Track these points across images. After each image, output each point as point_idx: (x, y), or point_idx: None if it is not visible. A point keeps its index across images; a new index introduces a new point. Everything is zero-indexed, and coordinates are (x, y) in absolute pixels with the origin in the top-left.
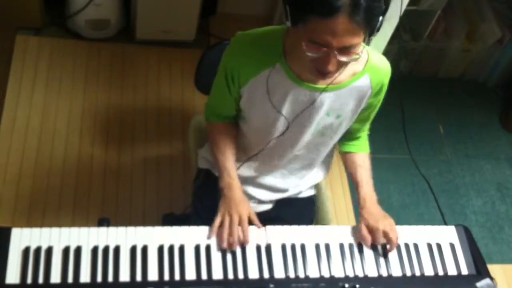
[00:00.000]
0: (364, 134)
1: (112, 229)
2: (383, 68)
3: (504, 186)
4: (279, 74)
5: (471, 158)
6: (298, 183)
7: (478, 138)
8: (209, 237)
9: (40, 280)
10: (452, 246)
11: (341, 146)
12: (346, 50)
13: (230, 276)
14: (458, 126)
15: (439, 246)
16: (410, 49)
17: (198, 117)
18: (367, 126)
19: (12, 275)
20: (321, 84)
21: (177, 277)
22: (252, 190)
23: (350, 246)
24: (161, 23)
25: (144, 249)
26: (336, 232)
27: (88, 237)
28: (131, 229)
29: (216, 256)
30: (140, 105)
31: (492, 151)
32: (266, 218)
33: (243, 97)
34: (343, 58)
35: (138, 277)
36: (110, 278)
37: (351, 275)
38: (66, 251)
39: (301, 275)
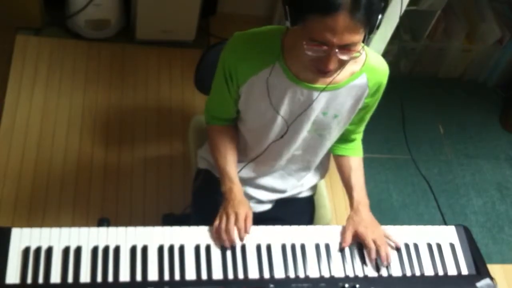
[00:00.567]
0: (359, 137)
1: (112, 229)
2: (381, 68)
3: (504, 186)
4: (278, 74)
5: (471, 158)
6: (296, 184)
7: (478, 138)
8: (210, 238)
9: (40, 280)
10: (452, 246)
11: (335, 149)
12: (347, 48)
13: (230, 276)
14: (458, 126)
15: (439, 246)
16: (410, 49)
17: (198, 117)
18: (362, 128)
19: (12, 275)
20: (319, 84)
21: (177, 277)
22: (251, 191)
23: (350, 246)
24: (161, 23)
25: (144, 249)
26: (336, 232)
27: (88, 237)
28: (131, 229)
29: (216, 256)
30: (140, 105)
31: (492, 151)
32: (266, 218)
33: (242, 97)
34: (344, 56)
35: (138, 277)
36: (110, 278)
37: (351, 275)
38: (66, 251)
39: (301, 275)
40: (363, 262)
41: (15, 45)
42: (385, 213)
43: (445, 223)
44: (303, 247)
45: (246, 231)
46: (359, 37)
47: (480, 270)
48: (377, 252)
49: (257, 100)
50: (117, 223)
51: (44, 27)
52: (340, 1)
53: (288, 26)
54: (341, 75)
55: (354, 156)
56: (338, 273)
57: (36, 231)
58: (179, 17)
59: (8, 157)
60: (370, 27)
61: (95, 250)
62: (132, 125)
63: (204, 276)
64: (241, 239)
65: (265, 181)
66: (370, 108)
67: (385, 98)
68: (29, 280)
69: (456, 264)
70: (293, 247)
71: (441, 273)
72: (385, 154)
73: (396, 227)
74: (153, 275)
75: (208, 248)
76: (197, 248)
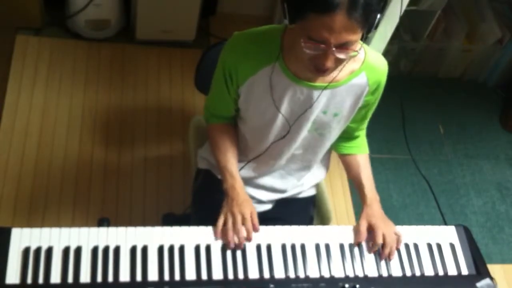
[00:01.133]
0: (362, 133)
1: (112, 229)
2: (380, 67)
3: (504, 186)
4: (278, 73)
5: (471, 158)
6: (296, 184)
7: (478, 138)
8: (214, 238)
9: (40, 280)
10: (452, 246)
11: (341, 148)
12: (344, 46)
13: (230, 276)
14: (458, 126)
15: (439, 246)
16: (410, 49)
17: (198, 117)
18: (364, 125)
19: (12, 275)
20: (318, 82)
21: (177, 277)
22: (251, 191)
23: (350, 246)
24: (161, 23)
25: (144, 249)
26: (336, 232)
27: (88, 237)
28: (131, 229)
29: (216, 256)
30: (140, 105)
31: (492, 151)
32: (266, 218)
33: (241, 96)
34: (341, 55)
35: (138, 277)
36: (110, 278)
37: (351, 275)
38: (66, 251)
39: (301, 275)
40: (363, 262)
41: (15, 45)
42: (385, 213)
43: (445, 223)
44: (303, 247)
45: (255, 229)
46: (356, 36)
47: (480, 270)
48: (382, 248)
49: (257, 99)
50: (117, 223)
51: (44, 27)
52: (338, 1)
53: (286, 25)
54: (341, 74)
55: (361, 153)
56: (338, 273)
57: (36, 231)
58: (179, 17)
59: (8, 157)
60: (368, 27)
61: (95, 250)
62: (132, 125)
63: (204, 276)
64: (249, 239)
65: (265, 180)
66: (371, 106)
67: (385, 98)
68: (29, 280)
69: (456, 264)
70: (293, 247)
71: (441, 273)
72: (385, 154)
73: (396, 227)
74: (153, 275)
75: (208, 248)
76: (197, 248)
